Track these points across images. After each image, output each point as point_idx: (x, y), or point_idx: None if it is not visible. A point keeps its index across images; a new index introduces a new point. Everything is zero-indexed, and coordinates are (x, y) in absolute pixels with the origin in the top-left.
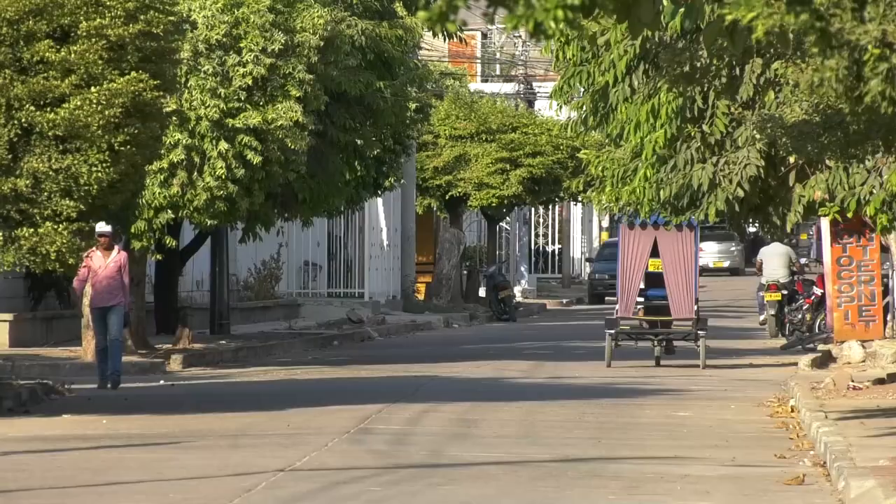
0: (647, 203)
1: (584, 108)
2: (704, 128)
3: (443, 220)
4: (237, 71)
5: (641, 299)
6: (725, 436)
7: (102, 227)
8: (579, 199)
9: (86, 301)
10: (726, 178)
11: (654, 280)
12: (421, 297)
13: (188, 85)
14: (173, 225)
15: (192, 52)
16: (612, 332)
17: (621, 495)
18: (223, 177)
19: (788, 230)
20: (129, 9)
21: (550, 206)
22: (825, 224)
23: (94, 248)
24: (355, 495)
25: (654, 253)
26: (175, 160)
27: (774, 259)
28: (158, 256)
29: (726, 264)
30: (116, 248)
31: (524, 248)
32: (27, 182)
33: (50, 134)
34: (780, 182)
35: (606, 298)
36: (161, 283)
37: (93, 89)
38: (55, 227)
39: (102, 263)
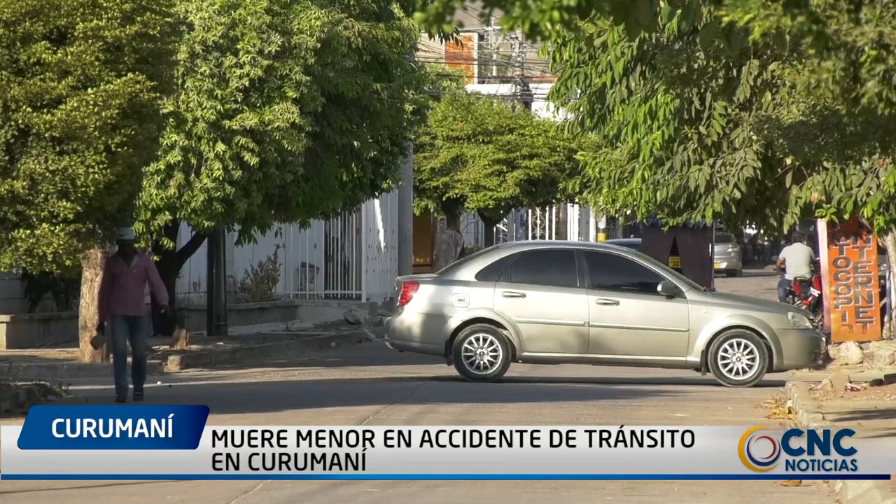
0: (644, 204)
1: (581, 109)
2: (701, 129)
3: (440, 222)
4: (234, 72)
5: None
6: None
7: (127, 233)
8: (576, 200)
9: (83, 303)
10: (723, 180)
11: None
12: None
13: (185, 86)
14: (170, 226)
15: (189, 54)
16: None
17: (619, 496)
18: (220, 178)
19: (786, 231)
20: (126, 10)
21: (547, 208)
22: (822, 225)
23: (106, 254)
24: (353, 496)
25: (674, 251)
26: (172, 161)
27: (797, 257)
28: (156, 258)
29: (724, 265)
30: (138, 251)
31: None
32: (24, 183)
33: (47, 135)
34: (776, 183)
35: None
36: None
37: (89, 91)
38: (52, 228)
39: (126, 270)
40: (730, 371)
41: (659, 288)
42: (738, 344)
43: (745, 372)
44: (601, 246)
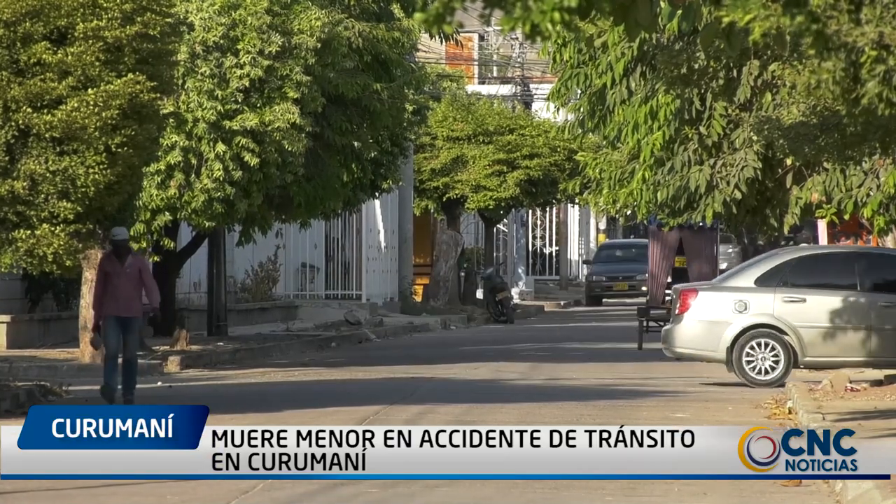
0: (645, 205)
1: (582, 110)
2: (702, 130)
3: (440, 222)
4: (234, 73)
5: (669, 291)
6: None
7: (121, 233)
8: (576, 201)
9: (83, 303)
10: (724, 180)
11: (680, 274)
12: (418, 298)
13: (185, 87)
14: (171, 227)
15: (190, 54)
16: (643, 319)
17: (619, 496)
18: (220, 179)
19: (786, 232)
20: (126, 10)
21: (548, 208)
22: (822, 226)
23: (103, 252)
24: (353, 496)
25: (680, 250)
26: (172, 162)
27: None
28: (156, 258)
29: (724, 266)
30: (132, 251)
31: (521, 250)
32: (24, 184)
33: (47, 136)
34: (777, 184)
35: (604, 300)
36: (158, 284)
37: (90, 91)
38: (52, 229)
39: (120, 269)
40: None
41: None
42: None
43: None
44: (880, 249)
